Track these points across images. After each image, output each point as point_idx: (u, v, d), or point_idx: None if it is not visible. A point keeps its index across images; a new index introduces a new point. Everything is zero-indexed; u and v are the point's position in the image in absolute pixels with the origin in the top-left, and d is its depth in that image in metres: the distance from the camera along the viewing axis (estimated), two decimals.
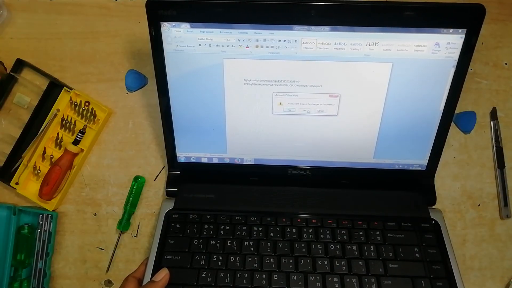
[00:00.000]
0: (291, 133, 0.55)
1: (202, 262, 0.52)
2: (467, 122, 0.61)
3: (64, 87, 0.61)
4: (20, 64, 0.63)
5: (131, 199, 0.60)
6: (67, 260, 0.60)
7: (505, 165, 0.61)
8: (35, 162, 0.60)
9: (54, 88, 0.62)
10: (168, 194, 0.58)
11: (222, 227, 0.54)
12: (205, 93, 0.52)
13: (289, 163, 0.58)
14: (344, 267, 0.52)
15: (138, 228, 0.61)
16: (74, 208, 0.61)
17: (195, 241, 0.53)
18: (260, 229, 0.54)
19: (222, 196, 0.57)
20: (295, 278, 0.51)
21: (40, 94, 0.62)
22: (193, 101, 0.53)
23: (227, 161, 0.58)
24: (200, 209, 0.56)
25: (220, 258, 0.52)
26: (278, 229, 0.54)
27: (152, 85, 0.63)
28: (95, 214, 0.61)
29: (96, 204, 0.61)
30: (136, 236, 0.60)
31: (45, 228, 0.59)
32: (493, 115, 0.62)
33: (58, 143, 0.61)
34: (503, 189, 0.60)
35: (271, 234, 0.54)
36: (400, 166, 0.57)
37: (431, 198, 0.58)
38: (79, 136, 0.60)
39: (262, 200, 0.57)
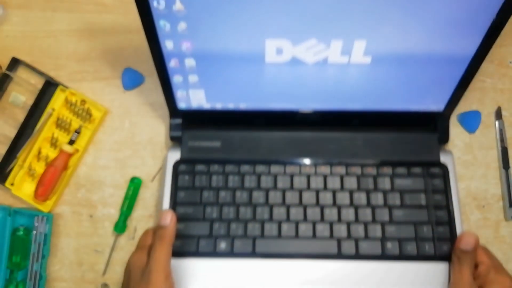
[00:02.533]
0: (302, 82, 0.51)
1: (214, 215, 0.53)
2: (471, 121, 0.60)
3: (60, 86, 0.60)
4: (15, 63, 0.62)
5: (127, 201, 0.59)
6: (63, 262, 0.59)
7: (510, 165, 0.60)
8: (30, 163, 0.59)
9: (50, 87, 0.61)
10: (172, 138, 0.57)
11: (231, 177, 0.54)
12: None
13: (297, 108, 0.55)
14: (352, 216, 0.53)
15: (135, 231, 0.59)
16: (70, 209, 0.60)
17: (206, 193, 0.54)
18: (269, 178, 0.54)
19: (229, 144, 0.56)
20: (304, 228, 0.53)
21: (36, 93, 0.61)
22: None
23: (231, 107, 0.55)
24: (207, 159, 0.56)
25: (231, 209, 0.53)
26: (286, 178, 0.55)
27: (149, 83, 0.62)
28: (91, 216, 0.60)
29: (92, 206, 0.60)
30: (133, 239, 0.59)
31: (41, 230, 0.58)
32: (498, 114, 0.61)
33: (54, 143, 0.60)
34: (508, 190, 0.59)
35: (280, 184, 0.54)
36: (416, 108, 0.54)
37: (444, 136, 0.57)
38: (74, 136, 0.59)
39: (269, 146, 0.56)
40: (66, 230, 0.60)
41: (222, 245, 0.52)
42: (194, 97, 0.53)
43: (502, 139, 0.60)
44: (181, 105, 0.55)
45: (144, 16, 0.43)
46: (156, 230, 0.49)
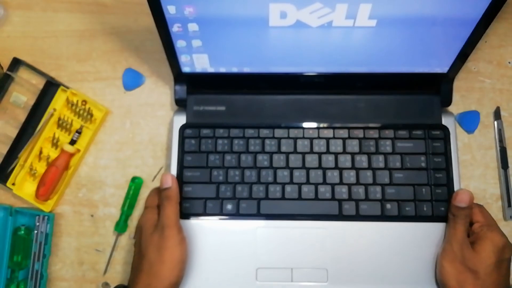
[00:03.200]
0: (306, 45, 0.51)
1: (221, 178, 0.56)
2: (470, 122, 0.60)
3: (61, 86, 0.61)
4: (16, 63, 0.62)
5: (128, 200, 0.59)
6: (64, 262, 0.59)
7: (509, 165, 0.60)
8: (31, 163, 0.59)
9: (51, 87, 0.61)
10: (178, 102, 0.58)
11: (236, 141, 0.56)
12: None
13: (301, 71, 0.55)
14: (353, 178, 0.55)
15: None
16: (71, 209, 0.60)
17: (212, 157, 0.56)
18: (272, 142, 0.56)
19: (233, 108, 0.57)
20: (306, 190, 0.55)
21: (37, 93, 0.61)
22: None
23: (235, 70, 0.55)
24: (213, 123, 0.57)
25: (237, 172, 0.56)
26: (290, 141, 0.56)
27: (149, 83, 0.63)
28: (92, 216, 0.60)
29: (93, 205, 0.60)
30: (134, 238, 0.60)
31: (42, 230, 0.58)
32: (497, 114, 0.61)
33: (55, 143, 0.60)
34: (507, 190, 0.59)
35: (284, 147, 0.56)
36: (420, 70, 0.54)
37: (447, 98, 0.57)
38: (75, 136, 0.60)
39: (273, 110, 0.57)
40: (67, 230, 0.60)
41: (229, 207, 0.55)
42: (197, 61, 0.53)
43: (501, 139, 0.60)
44: (185, 69, 0.55)
45: None
46: (161, 192, 0.53)
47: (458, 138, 0.61)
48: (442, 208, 0.55)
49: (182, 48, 0.51)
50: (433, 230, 0.54)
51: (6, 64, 0.62)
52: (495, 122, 0.61)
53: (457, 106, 0.61)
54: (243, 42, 0.50)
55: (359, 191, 0.55)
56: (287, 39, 0.49)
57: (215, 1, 0.45)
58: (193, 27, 0.48)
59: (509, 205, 0.59)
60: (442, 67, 0.54)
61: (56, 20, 0.64)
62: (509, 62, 0.62)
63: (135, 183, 0.59)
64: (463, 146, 0.61)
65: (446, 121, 0.57)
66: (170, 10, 0.46)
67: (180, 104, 0.58)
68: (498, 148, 0.60)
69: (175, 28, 0.48)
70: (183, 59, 0.53)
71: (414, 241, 0.54)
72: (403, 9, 0.45)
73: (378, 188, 0.55)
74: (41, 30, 0.64)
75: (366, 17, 0.45)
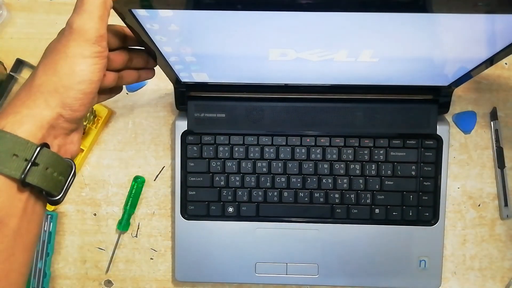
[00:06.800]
0: (306, 71, 0.51)
1: (222, 183, 0.59)
2: (467, 122, 0.61)
3: None
4: (20, 64, 0.63)
5: (131, 199, 0.60)
6: (67, 260, 0.60)
7: (505, 165, 0.61)
8: None
9: None
10: (178, 107, 0.59)
11: (236, 148, 0.58)
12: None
13: (300, 83, 0.56)
14: (345, 185, 0.58)
15: (138, 228, 0.61)
16: (74, 208, 0.61)
17: (213, 163, 0.58)
18: (271, 150, 0.59)
19: (233, 115, 0.58)
20: (302, 195, 0.58)
21: None
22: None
23: (234, 81, 0.55)
24: (213, 130, 0.58)
25: (237, 178, 0.58)
26: (288, 149, 0.59)
27: (152, 85, 0.63)
28: (95, 214, 0.61)
29: (96, 204, 0.61)
30: (136, 236, 0.60)
31: (45, 228, 0.59)
32: (493, 115, 0.62)
33: None
34: (503, 189, 0.60)
35: (282, 155, 0.59)
36: (420, 83, 0.54)
37: (446, 106, 0.58)
38: None
39: (272, 118, 0.58)
40: (70, 228, 0.61)
41: (230, 209, 0.59)
42: (196, 77, 0.54)
43: (498, 139, 0.61)
44: (184, 80, 0.55)
45: (138, 35, 0.41)
46: None
47: (455, 138, 0.62)
48: (427, 214, 0.58)
49: (180, 69, 0.52)
50: (415, 233, 0.58)
51: (9, 65, 0.62)
52: (492, 123, 0.62)
53: (453, 107, 0.62)
54: (243, 68, 0.51)
55: (351, 197, 0.58)
56: (287, 67, 0.50)
57: (212, 49, 0.45)
58: (190, 59, 0.48)
59: (505, 204, 0.60)
60: (444, 82, 0.55)
61: (60, 22, 0.65)
62: (506, 63, 0.63)
63: (138, 182, 0.60)
64: (459, 146, 0.62)
65: (440, 129, 0.58)
66: (166, 49, 0.46)
67: (181, 108, 0.59)
68: (495, 148, 0.61)
69: (172, 59, 0.48)
70: (181, 75, 0.53)
71: (398, 242, 0.58)
72: (406, 51, 0.45)
73: (369, 194, 0.58)
74: (44, 32, 0.64)
75: (368, 56, 0.46)
